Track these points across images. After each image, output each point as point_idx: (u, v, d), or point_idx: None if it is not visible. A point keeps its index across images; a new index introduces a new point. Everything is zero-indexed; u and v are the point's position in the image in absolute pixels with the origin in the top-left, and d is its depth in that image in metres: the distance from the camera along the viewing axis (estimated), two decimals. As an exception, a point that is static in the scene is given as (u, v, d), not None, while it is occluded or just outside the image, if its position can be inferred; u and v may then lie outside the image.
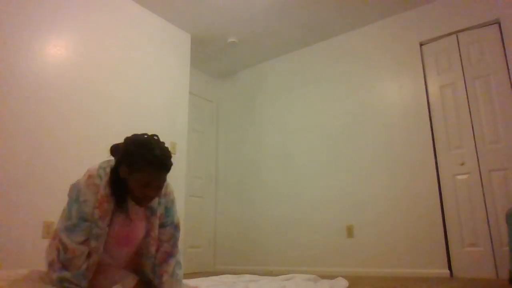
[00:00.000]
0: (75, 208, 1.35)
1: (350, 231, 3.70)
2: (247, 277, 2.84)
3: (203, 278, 2.81)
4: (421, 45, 3.68)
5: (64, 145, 2.81)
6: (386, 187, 3.58)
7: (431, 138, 3.45)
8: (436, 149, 3.43)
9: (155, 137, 1.48)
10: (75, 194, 1.37)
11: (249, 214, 4.49)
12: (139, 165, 1.35)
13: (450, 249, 3.18)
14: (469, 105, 3.33)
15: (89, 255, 1.36)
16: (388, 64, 3.82)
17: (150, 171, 1.36)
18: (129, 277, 1.43)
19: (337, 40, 4.25)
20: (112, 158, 1.47)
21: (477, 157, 3.21)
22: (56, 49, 2.89)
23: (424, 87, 3.57)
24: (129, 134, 1.50)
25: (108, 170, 1.42)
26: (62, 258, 1.32)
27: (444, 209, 3.28)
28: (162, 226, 1.55)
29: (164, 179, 1.44)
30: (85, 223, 1.35)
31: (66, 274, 1.30)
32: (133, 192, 1.38)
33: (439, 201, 3.30)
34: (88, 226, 1.35)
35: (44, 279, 1.38)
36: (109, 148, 1.49)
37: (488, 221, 3.06)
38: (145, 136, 1.46)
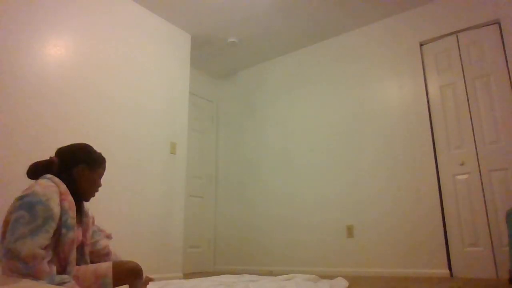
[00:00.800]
0: (40, 208, 1.32)
1: (350, 231, 3.70)
2: (247, 277, 2.85)
3: (203, 278, 2.81)
4: (421, 45, 3.68)
5: (64, 144, 2.81)
6: (386, 187, 3.58)
7: (431, 138, 3.45)
8: (436, 149, 3.43)
9: None
10: (35, 198, 1.33)
11: (249, 214, 4.49)
12: (99, 161, 1.65)
13: (450, 249, 3.18)
14: (469, 105, 3.33)
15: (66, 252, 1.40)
16: (388, 64, 3.82)
17: (104, 165, 1.69)
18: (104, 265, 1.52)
19: (337, 40, 4.25)
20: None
21: (477, 157, 3.21)
22: (56, 49, 2.89)
23: (424, 87, 3.57)
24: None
25: (48, 177, 1.46)
26: (26, 272, 1.23)
27: (444, 209, 3.28)
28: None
29: None
30: (50, 224, 1.33)
31: (41, 282, 1.24)
32: (90, 187, 1.60)
33: (439, 201, 3.30)
34: (52, 227, 1.34)
35: None
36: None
37: (488, 221, 3.05)
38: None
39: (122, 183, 3.12)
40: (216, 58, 4.72)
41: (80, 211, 1.59)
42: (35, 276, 1.23)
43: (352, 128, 3.92)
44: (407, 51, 3.72)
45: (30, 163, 2.70)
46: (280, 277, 2.70)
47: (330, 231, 3.82)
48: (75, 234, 1.45)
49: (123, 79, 3.34)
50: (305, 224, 4.00)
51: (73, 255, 1.43)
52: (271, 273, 3.64)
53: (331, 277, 2.95)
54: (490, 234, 3.02)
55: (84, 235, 1.59)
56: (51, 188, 1.39)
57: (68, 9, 3.01)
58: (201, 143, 4.82)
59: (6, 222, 1.34)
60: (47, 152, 2.71)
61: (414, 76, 3.64)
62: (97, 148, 3.04)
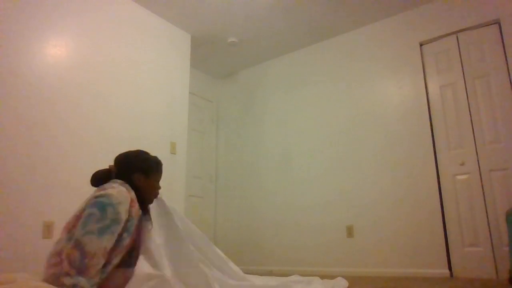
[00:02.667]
0: (110, 210, 1.39)
1: (350, 231, 3.70)
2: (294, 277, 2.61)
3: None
4: (421, 45, 3.68)
5: (63, 144, 2.81)
6: (386, 187, 3.58)
7: (431, 138, 3.45)
8: (436, 149, 3.42)
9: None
10: (107, 200, 1.41)
11: (249, 214, 4.49)
12: (153, 167, 1.71)
13: (450, 249, 3.18)
14: (469, 105, 3.33)
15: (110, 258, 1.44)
16: (388, 64, 3.82)
17: (159, 169, 1.76)
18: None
19: (337, 40, 4.25)
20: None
21: (477, 157, 3.21)
22: (55, 49, 2.89)
23: (424, 87, 3.57)
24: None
25: (120, 182, 1.55)
26: (78, 265, 1.31)
27: (444, 209, 3.28)
28: None
29: None
30: (117, 226, 1.40)
31: (81, 280, 1.29)
32: (149, 193, 1.67)
33: (439, 201, 3.29)
34: (117, 230, 1.41)
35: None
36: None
37: (488, 221, 3.05)
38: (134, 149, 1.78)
39: (122, 183, 3.11)
40: (216, 58, 4.71)
41: (140, 217, 1.63)
42: (82, 272, 1.30)
43: (352, 128, 3.92)
44: (407, 51, 3.72)
45: (30, 163, 2.71)
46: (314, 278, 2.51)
47: (330, 231, 3.82)
48: (131, 240, 1.53)
49: (123, 79, 3.34)
50: (305, 224, 4.00)
51: (119, 257, 1.49)
52: (271, 273, 3.64)
53: (331, 277, 2.95)
54: (490, 234, 3.02)
55: (139, 238, 1.62)
56: (124, 194, 1.47)
57: (67, 9, 3.01)
58: (201, 143, 4.82)
59: (77, 217, 1.44)
60: (47, 152, 2.72)
61: (414, 76, 3.64)
62: (96, 148, 3.05)
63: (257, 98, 4.81)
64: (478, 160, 3.20)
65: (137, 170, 1.64)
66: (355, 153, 3.84)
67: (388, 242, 3.46)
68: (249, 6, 3.68)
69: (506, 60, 3.19)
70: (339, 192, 3.86)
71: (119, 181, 1.56)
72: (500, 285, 2.54)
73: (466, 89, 3.37)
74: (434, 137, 3.45)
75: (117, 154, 1.67)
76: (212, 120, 5.09)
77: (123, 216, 1.43)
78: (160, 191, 1.80)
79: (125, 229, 1.46)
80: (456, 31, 3.49)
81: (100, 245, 1.34)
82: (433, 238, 3.23)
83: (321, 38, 4.31)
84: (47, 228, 2.55)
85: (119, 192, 1.45)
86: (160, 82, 3.69)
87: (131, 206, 1.49)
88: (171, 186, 3.59)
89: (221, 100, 5.21)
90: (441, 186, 3.33)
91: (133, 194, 1.54)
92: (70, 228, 1.44)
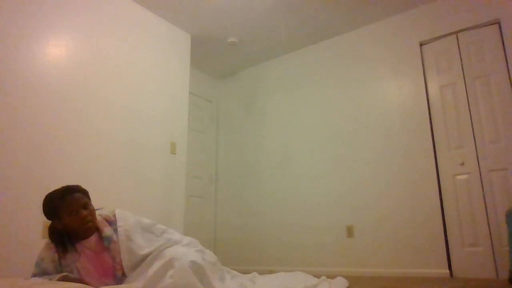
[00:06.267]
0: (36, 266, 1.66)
1: (350, 231, 3.70)
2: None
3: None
4: (421, 45, 3.68)
5: (62, 144, 2.81)
6: (386, 187, 3.58)
7: (431, 138, 3.45)
8: (436, 149, 3.42)
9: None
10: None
11: (249, 213, 4.49)
12: (58, 203, 1.60)
13: (450, 249, 3.18)
14: (469, 105, 3.33)
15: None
16: (388, 64, 3.82)
17: (67, 198, 1.60)
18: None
19: (337, 40, 4.25)
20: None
21: (477, 157, 3.21)
22: (55, 50, 2.89)
23: (424, 87, 3.57)
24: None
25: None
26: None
27: (444, 209, 3.28)
28: None
29: (83, 199, 1.65)
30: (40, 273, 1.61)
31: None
32: (75, 227, 1.61)
33: (439, 201, 3.29)
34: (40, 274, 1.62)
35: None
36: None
37: (488, 221, 3.05)
38: None
39: (121, 183, 3.12)
40: (216, 58, 4.71)
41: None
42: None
43: (352, 128, 3.92)
44: (407, 51, 3.72)
45: (29, 164, 2.71)
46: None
47: (330, 231, 3.81)
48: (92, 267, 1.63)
49: (123, 79, 3.34)
50: (305, 224, 4.00)
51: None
52: (271, 273, 3.63)
53: (331, 277, 2.95)
54: (490, 234, 3.02)
55: (114, 260, 1.64)
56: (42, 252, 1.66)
57: (67, 9, 3.01)
58: (201, 143, 4.82)
59: None
60: (46, 153, 2.72)
61: (414, 76, 3.64)
62: (96, 148, 3.04)
63: (257, 98, 4.81)
64: (478, 160, 3.20)
65: (51, 218, 1.64)
66: (355, 152, 3.84)
67: (388, 242, 3.46)
68: (249, 6, 3.68)
69: (506, 60, 3.19)
70: (339, 192, 3.85)
71: (47, 240, 1.64)
72: (500, 285, 2.54)
73: (466, 89, 3.36)
74: (434, 137, 3.45)
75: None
76: (212, 120, 5.09)
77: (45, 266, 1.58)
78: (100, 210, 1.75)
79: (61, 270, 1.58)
80: (456, 31, 3.49)
81: None
82: (433, 238, 3.23)
83: (321, 38, 4.31)
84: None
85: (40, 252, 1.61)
86: (160, 82, 3.69)
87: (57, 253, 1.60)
88: (171, 186, 3.59)
89: (221, 100, 5.21)
90: (441, 186, 3.33)
91: (52, 246, 1.62)
92: None
